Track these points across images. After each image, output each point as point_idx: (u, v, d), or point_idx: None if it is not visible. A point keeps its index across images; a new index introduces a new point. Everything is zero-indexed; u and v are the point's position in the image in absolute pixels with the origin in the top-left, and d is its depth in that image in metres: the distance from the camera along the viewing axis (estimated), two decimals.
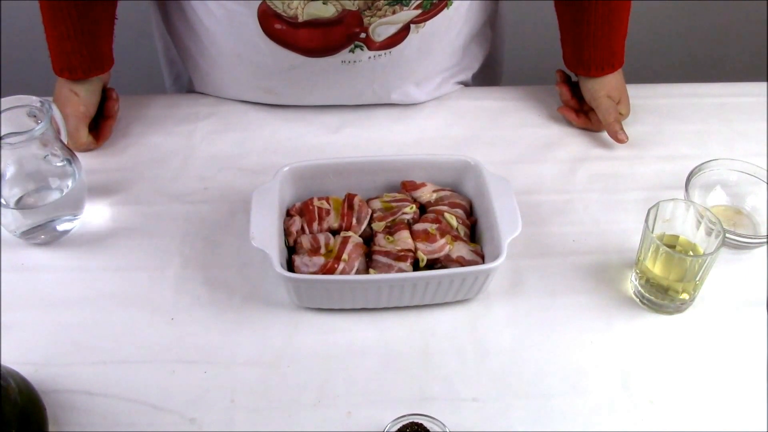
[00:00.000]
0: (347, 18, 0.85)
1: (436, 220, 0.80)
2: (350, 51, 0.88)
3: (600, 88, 0.96)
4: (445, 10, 0.89)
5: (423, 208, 0.83)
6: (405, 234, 0.78)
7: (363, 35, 0.87)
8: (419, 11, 0.86)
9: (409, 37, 0.89)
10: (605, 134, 0.97)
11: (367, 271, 0.76)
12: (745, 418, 0.70)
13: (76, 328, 0.75)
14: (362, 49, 0.89)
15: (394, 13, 0.85)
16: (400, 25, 0.87)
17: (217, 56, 0.95)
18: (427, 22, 0.89)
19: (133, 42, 1.41)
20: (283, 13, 0.84)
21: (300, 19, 0.84)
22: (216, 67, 0.98)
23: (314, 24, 0.85)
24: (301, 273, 0.75)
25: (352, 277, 0.75)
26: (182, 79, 1.09)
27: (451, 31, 0.96)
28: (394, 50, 0.90)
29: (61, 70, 0.90)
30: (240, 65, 0.94)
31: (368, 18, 0.85)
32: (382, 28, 0.86)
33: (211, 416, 0.69)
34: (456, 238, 0.79)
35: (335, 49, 0.88)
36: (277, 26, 0.86)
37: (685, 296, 0.77)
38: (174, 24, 0.99)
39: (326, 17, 0.84)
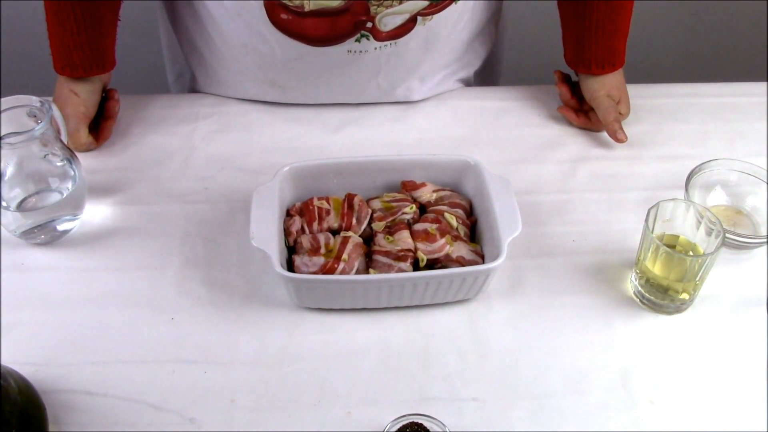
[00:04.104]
0: (354, 7, 0.85)
1: (436, 220, 0.80)
2: (356, 40, 0.88)
3: (600, 87, 0.96)
4: (453, 4, 0.89)
5: (423, 208, 0.83)
6: (405, 234, 0.78)
7: (369, 24, 0.87)
8: (427, 3, 0.86)
9: (415, 29, 0.89)
10: (605, 134, 0.97)
11: (367, 271, 0.76)
12: (745, 418, 0.70)
13: (76, 328, 0.75)
14: (368, 39, 0.89)
15: (401, 2, 0.85)
16: (406, 16, 0.87)
17: (223, 48, 0.95)
18: (435, 16, 0.89)
19: (136, 43, 1.41)
20: (289, 3, 0.84)
21: (306, 9, 0.84)
22: (222, 60, 0.98)
23: (320, 13, 0.85)
24: (301, 273, 0.75)
25: (352, 277, 0.75)
26: (184, 77, 1.09)
27: (457, 27, 0.96)
28: (400, 41, 0.90)
29: (62, 67, 0.90)
30: (246, 56, 0.94)
31: (375, 7, 0.85)
32: (389, 18, 0.86)
33: (211, 416, 0.69)
34: (456, 238, 0.79)
35: (342, 37, 0.88)
36: (283, 16, 0.86)
37: (685, 296, 0.77)
38: (181, 17, 0.99)
39: (333, 6, 0.84)
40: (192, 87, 1.07)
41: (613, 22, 0.94)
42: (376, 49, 0.91)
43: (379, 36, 0.89)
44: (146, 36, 1.27)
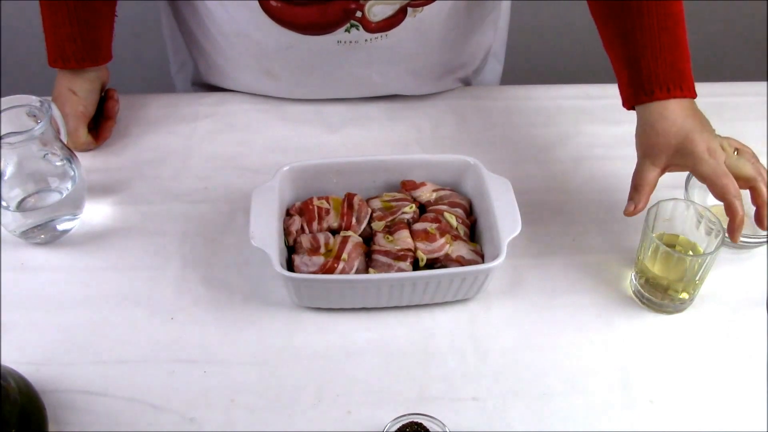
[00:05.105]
0: None
1: (435, 220, 0.80)
2: (346, 30, 0.88)
3: (671, 125, 0.76)
4: None
5: (423, 208, 0.83)
6: (405, 233, 0.78)
7: (359, 14, 0.87)
8: None
9: (406, 20, 0.89)
10: (605, 134, 0.97)
11: (366, 271, 0.76)
12: (745, 418, 0.70)
13: (76, 328, 0.75)
14: (359, 29, 0.89)
15: None
16: (396, 7, 0.87)
17: (219, 37, 0.96)
18: (425, 8, 0.89)
19: (139, 37, 1.41)
20: None
21: None
22: (219, 50, 0.98)
23: (311, 2, 0.86)
24: (300, 272, 0.75)
25: (352, 276, 0.75)
26: (187, 67, 1.10)
27: (450, 22, 0.95)
28: (390, 33, 0.90)
29: (54, 59, 0.90)
30: (240, 45, 0.95)
31: None
32: (378, 8, 0.86)
33: (210, 416, 0.69)
34: (456, 237, 0.79)
35: (332, 25, 0.88)
36: (274, 3, 0.86)
37: (684, 296, 0.77)
38: (179, 7, 1.00)
39: None
40: (195, 77, 1.08)
41: (669, 31, 0.77)
42: (367, 41, 0.91)
43: (369, 26, 0.89)
44: (149, 30, 1.27)
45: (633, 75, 0.78)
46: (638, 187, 0.78)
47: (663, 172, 0.79)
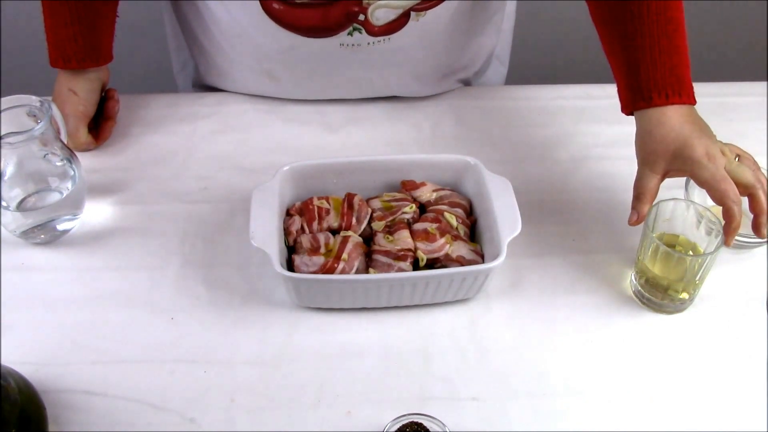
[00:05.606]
0: None
1: (435, 220, 0.80)
2: (349, 34, 0.89)
3: (669, 131, 0.75)
4: (446, 1, 0.89)
5: (423, 208, 0.83)
6: (405, 233, 0.78)
7: (362, 17, 0.87)
8: None
9: (408, 24, 0.89)
10: (605, 134, 0.97)
11: (366, 271, 0.76)
12: (745, 417, 0.70)
13: (76, 328, 0.75)
14: (361, 33, 0.89)
15: None
16: (399, 11, 0.87)
17: (220, 38, 0.96)
18: (428, 12, 0.89)
19: (140, 39, 1.41)
20: None
21: (298, 0, 0.85)
22: (220, 50, 0.98)
23: (313, 4, 0.86)
24: (300, 272, 0.75)
25: (352, 276, 0.75)
26: (189, 67, 1.10)
27: (453, 25, 0.95)
28: (393, 37, 0.90)
29: (55, 59, 0.90)
30: (241, 46, 0.95)
31: None
32: (381, 12, 0.86)
33: (210, 416, 0.69)
34: (456, 237, 0.79)
35: (334, 29, 0.88)
36: (276, 6, 0.86)
37: (684, 296, 0.77)
38: (181, 7, 1.00)
39: None
40: (195, 78, 1.08)
41: (669, 37, 0.77)
42: (369, 44, 0.91)
43: (372, 30, 0.89)
44: (150, 30, 1.27)
45: (631, 80, 0.78)
46: (640, 195, 0.78)
47: (663, 178, 0.78)
